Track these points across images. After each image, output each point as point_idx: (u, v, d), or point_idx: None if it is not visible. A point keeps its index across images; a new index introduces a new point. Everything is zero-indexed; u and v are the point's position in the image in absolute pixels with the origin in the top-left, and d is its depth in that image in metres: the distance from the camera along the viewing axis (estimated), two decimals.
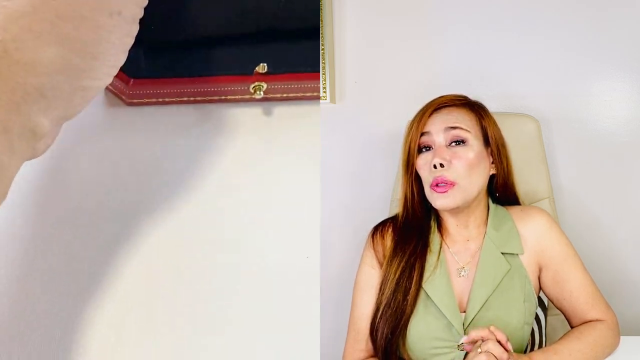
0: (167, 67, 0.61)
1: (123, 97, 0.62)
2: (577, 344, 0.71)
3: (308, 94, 0.65)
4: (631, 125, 1.09)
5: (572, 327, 0.78)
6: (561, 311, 0.80)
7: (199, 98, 0.64)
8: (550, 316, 0.93)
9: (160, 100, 0.63)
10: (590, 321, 0.76)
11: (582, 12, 1.08)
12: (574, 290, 0.77)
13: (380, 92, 1.15)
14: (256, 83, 0.62)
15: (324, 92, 1.13)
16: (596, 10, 1.07)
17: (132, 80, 0.60)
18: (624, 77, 1.08)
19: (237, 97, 0.64)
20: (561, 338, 0.73)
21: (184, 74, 0.61)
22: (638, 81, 1.08)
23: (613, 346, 0.74)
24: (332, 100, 1.15)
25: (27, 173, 0.58)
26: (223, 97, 0.64)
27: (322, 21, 1.12)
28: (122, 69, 0.58)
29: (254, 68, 0.61)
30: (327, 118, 1.14)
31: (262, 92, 0.63)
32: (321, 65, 1.12)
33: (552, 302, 0.81)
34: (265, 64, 0.61)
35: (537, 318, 0.86)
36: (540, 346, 0.87)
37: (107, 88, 0.63)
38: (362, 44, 1.16)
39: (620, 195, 1.10)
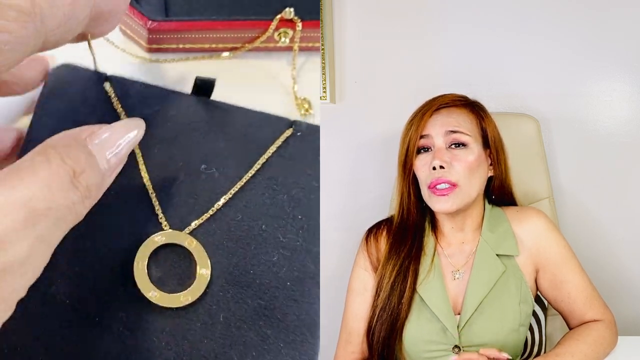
0: (187, 9, 0.61)
1: (142, 42, 0.62)
2: (577, 346, 0.71)
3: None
4: (631, 125, 1.09)
5: (570, 328, 0.78)
6: (559, 312, 0.80)
7: (220, 45, 0.62)
8: (550, 316, 0.93)
9: (181, 46, 0.62)
10: (588, 322, 0.76)
11: (582, 12, 1.08)
12: (572, 291, 0.77)
13: (380, 92, 1.15)
14: (282, 29, 0.60)
15: (324, 92, 1.13)
16: (596, 10, 1.07)
17: (150, 22, 0.60)
18: (624, 77, 1.08)
19: (260, 44, 0.61)
20: (561, 341, 0.73)
21: (204, 16, 0.61)
22: (638, 81, 1.08)
23: (612, 345, 0.74)
24: (332, 100, 1.15)
25: None
26: (246, 45, 0.61)
27: (322, 21, 1.12)
28: (140, 11, 0.59)
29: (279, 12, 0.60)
30: (327, 118, 1.14)
31: (287, 40, 0.60)
32: (321, 65, 1.12)
33: (550, 304, 0.81)
34: (292, 9, 0.60)
35: (537, 318, 0.86)
36: (540, 346, 0.87)
37: (125, 33, 0.62)
38: (362, 44, 1.15)
39: (619, 195, 1.10)
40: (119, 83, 0.54)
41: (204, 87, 0.54)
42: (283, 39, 0.60)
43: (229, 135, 0.54)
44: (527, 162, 0.98)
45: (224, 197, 0.52)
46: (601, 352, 0.72)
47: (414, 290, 0.76)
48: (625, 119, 1.09)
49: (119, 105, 0.53)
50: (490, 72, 1.11)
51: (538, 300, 0.82)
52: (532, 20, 1.09)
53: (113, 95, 0.53)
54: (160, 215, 0.51)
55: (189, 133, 0.53)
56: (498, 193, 0.82)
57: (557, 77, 1.09)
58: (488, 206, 0.81)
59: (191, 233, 0.51)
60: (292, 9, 0.58)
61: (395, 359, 0.77)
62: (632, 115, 1.09)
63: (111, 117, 0.52)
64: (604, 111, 1.09)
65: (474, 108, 0.80)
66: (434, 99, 0.80)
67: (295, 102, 0.59)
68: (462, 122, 0.77)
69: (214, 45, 0.61)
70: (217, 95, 0.58)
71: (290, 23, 0.59)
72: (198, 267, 0.50)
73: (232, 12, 0.60)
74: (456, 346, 0.74)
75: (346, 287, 0.84)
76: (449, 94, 0.81)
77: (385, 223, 0.83)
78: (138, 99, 0.54)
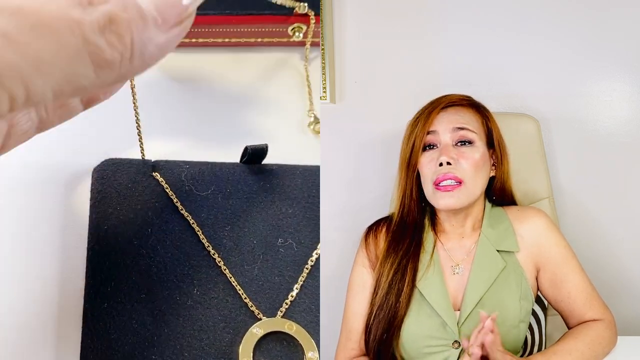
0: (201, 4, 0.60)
1: None
2: (575, 344, 0.71)
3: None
4: (631, 125, 1.09)
5: (569, 328, 0.78)
6: (559, 312, 0.80)
7: (233, 40, 0.61)
8: (550, 316, 0.93)
9: (194, 40, 0.60)
10: (587, 321, 0.76)
11: (582, 12, 1.08)
12: (572, 291, 0.77)
13: (380, 92, 1.15)
14: (296, 24, 0.60)
15: (324, 92, 1.13)
16: (596, 10, 1.07)
17: None
18: (624, 77, 1.08)
19: (274, 39, 0.61)
20: (559, 340, 0.74)
21: (218, 11, 0.60)
22: (638, 81, 1.08)
23: (611, 345, 0.74)
24: (332, 100, 1.15)
25: None
26: (259, 40, 0.61)
27: (322, 21, 1.11)
28: None
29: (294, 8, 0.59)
30: (327, 118, 1.13)
31: (301, 35, 0.60)
32: (321, 65, 1.12)
33: (550, 303, 0.81)
34: (305, 4, 0.59)
35: (537, 318, 0.86)
36: (540, 345, 0.87)
37: None
38: (362, 44, 1.15)
39: (619, 195, 1.10)
40: (167, 168, 0.51)
41: (255, 155, 0.52)
42: (297, 34, 0.59)
43: (293, 199, 0.52)
44: (527, 162, 0.98)
45: (306, 267, 0.50)
46: (599, 351, 0.72)
47: (412, 286, 0.76)
48: (625, 119, 1.09)
49: (173, 194, 0.50)
50: (490, 72, 1.11)
51: (538, 300, 0.82)
52: (532, 20, 1.09)
53: (165, 184, 0.51)
54: (249, 302, 0.48)
55: (252, 206, 0.51)
56: (499, 194, 0.82)
57: (557, 77, 1.09)
58: (488, 205, 0.81)
59: (285, 315, 0.48)
60: (306, 4, 0.57)
61: (392, 356, 0.77)
62: (632, 115, 1.09)
63: (168, 206, 0.50)
64: (604, 111, 1.09)
65: (480, 109, 0.81)
66: (441, 98, 0.80)
67: (308, 97, 0.59)
68: (469, 120, 0.78)
69: (227, 40, 0.60)
70: (229, 89, 0.58)
71: (303, 18, 0.59)
72: (305, 351, 0.48)
73: (245, 6, 0.59)
74: (456, 341, 0.74)
75: (346, 287, 0.83)
76: (455, 94, 0.81)
77: (385, 221, 0.84)
78: (190, 182, 0.52)
